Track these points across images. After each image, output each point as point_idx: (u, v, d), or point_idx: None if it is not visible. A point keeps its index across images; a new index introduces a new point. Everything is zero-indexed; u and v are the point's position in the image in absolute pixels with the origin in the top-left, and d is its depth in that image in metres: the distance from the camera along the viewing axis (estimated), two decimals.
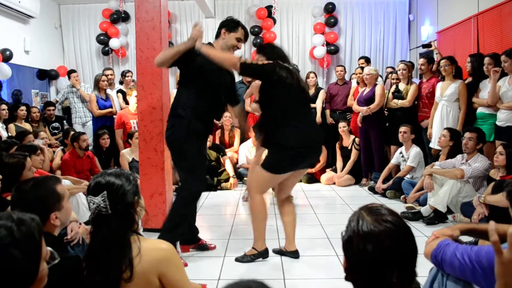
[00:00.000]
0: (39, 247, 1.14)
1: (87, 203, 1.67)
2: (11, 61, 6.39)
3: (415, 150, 5.34)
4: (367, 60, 7.09)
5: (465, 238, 2.01)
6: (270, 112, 3.11)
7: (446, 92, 4.94)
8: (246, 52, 8.32)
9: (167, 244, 1.70)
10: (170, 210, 3.33)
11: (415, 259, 1.19)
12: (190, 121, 3.17)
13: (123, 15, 8.11)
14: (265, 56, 3.12)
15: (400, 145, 5.57)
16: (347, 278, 1.24)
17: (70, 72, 7.02)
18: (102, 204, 1.54)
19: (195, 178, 3.24)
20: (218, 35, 3.34)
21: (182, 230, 3.27)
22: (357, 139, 6.20)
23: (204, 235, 3.82)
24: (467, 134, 4.28)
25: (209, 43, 3.35)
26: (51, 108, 6.67)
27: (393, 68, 6.85)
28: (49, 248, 1.21)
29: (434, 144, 5.14)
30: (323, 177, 6.33)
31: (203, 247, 3.57)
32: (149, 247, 1.62)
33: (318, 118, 6.57)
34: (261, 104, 3.17)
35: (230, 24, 3.29)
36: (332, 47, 8.10)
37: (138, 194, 1.66)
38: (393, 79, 6.09)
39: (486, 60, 4.61)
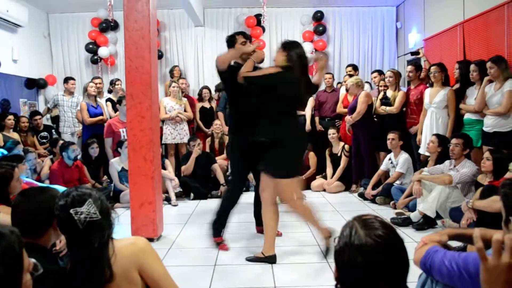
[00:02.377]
0: (20, 259, 1.12)
1: None
2: None
3: (404, 156, 5.38)
4: (355, 68, 7.15)
5: (454, 243, 2.03)
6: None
7: (435, 99, 4.99)
8: None
9: (140, 239, 1.74)
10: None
11: (407, 272, 1.21)
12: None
13: (112, 24, 8.09)
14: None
15: (389, 151, 5.61)
16: (337, 287, 1.25)
17: (68, 79, 6.87)
18: (92, 210, 1.56)
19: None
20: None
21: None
22: (346, 146, 6.23)
23: (194, 243, 3.81)
24: (453, 140, 4.33)
25: (235, 62, 3.74)
26: (37, 117, 6.62)
27: (378, 71, 6.84)
28: (33, 260, 1.20)
29: (423, 150, 5.19)
30: (313, 184, 6.33)
31: (219, 243, 3.75)
32: (123, 245, 1.65)
33: (308, 125, 6.61)
34: None
35: (229, 41, 3.78)
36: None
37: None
38: (380, 86, 6.15)
39: (472, 67, 4.67)
